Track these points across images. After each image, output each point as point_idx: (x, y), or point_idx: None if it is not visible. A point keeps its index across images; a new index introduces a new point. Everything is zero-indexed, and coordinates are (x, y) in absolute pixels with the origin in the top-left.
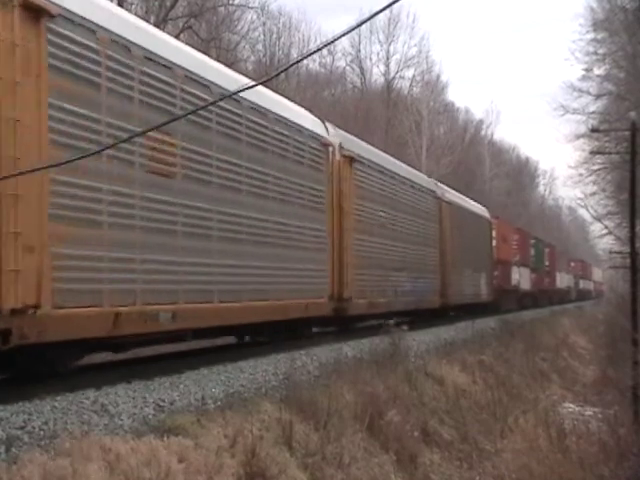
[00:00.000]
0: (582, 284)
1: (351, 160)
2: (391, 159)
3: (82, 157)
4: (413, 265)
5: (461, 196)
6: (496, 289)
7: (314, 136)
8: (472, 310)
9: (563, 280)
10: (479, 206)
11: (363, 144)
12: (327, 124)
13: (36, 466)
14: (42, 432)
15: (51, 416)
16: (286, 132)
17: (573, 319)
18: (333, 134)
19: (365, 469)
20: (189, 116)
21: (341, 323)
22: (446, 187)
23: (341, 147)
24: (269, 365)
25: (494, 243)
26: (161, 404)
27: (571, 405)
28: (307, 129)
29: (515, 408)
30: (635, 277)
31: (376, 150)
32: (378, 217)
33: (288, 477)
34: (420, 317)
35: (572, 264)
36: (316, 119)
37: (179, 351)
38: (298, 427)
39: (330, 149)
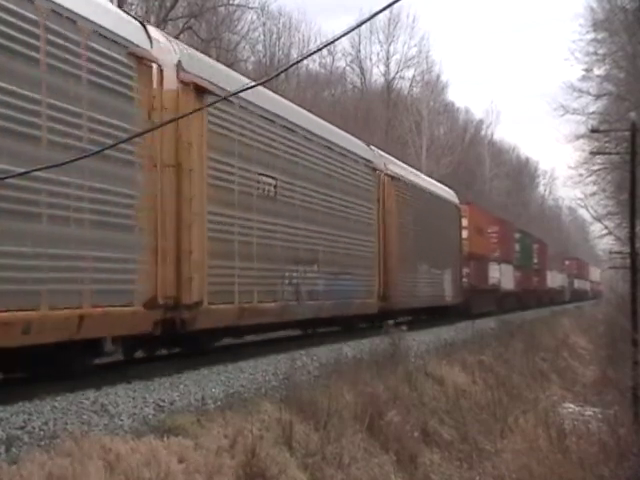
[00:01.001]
0: (577, 284)
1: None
2: (294, 107)
3: (80, 158)
4: (332, 257)
5: (417, 172)
6: (467, 289)
7: None
8: (431, 315)
9: (555, 279)
10: (444, 188)
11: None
12: None
13: (36, 466)
14: (42, 432)
15: (51, 416)
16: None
17: (573, 319)
18: None
19: (365, 469)
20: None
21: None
22: (393, 158)
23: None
24: (269, 365)
25: (465, 234)
26: (161, 404)
27: (571, 405)
28: None
29: (515, 408)
30: (635, 277)
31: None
32: (252, 182)
33: (288, 477)
34: (346, 326)
35: (566, 262)
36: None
37: (179, 351)
38: (298, 427)
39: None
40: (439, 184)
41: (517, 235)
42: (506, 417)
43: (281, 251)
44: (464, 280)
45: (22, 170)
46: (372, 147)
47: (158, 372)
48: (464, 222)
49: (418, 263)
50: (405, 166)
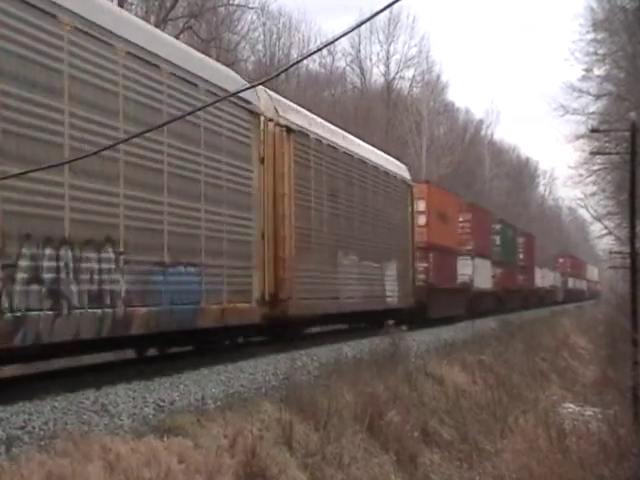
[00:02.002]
0: (572, 283)
1: None
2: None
3: (81, 158)
4: (153, 239)
5: (344, 133)
6: (424, 289)
7: None
8: (364, 322)
9: (546, 278)
10: (389, 159)
11: None
12: None
13: (36, 466)
14: (42, 432)
15: (51, 416)
16: None
17: (573, 319)
18: None
19: (365, 469)
20: None
21: None
22: (296, 106)
23: None
24: (269, 365)
25: (422, 220)
26: (161, 404)
27: (571, 405)
28: None
29: (515, 408)
30: (635, 277)
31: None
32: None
33: (288, 477)
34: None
35: (560, 260)
36: None
37: (179, 351)
38: (298, 427)
39: None
40: (382, 153)
41: (497, 226)
42: (506, 417)
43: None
44: (420, 277)
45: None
46: (264, 89)
47: (158, 372)
48: (421, 205)
49: (340, 253)
50: (318, 119)
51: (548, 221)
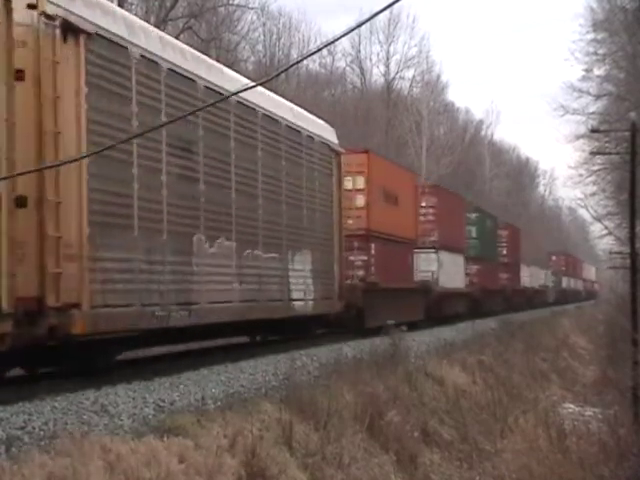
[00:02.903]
0: (566, 283)
1: None
2: None
3: (85, 156)
4: None
5: (196, 54)
6: (360, 289)
7: None
8: (248, 335)
9: (535, 277)
10: (299, 110)
11: None
12: None
13: (36, 466)
14: (42, 432)
15: (51, 416)
16: None
17: (573, 319)
18: None
19: (365, 469)
20: None
21: None
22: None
23: None
24: (269, 365)
25: (360, 200)
26: (161, 404)
27: (571, 405)
28: None
29: (515, 408)
30: (635, 277)
31: None
32: None
33: (288, 477)
34: None
35: (553, 258)
36: None
37: (179, 351)
38: (298, 427)
39: None
40: (289, 103)
41: (473, 215)
42: (506, 417)
43: None
44: (357, 274)
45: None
46: None
47: (158, 372)
48: (359, 182)
49: (200, 237)
50: (157, 31)
51: (548, 221)
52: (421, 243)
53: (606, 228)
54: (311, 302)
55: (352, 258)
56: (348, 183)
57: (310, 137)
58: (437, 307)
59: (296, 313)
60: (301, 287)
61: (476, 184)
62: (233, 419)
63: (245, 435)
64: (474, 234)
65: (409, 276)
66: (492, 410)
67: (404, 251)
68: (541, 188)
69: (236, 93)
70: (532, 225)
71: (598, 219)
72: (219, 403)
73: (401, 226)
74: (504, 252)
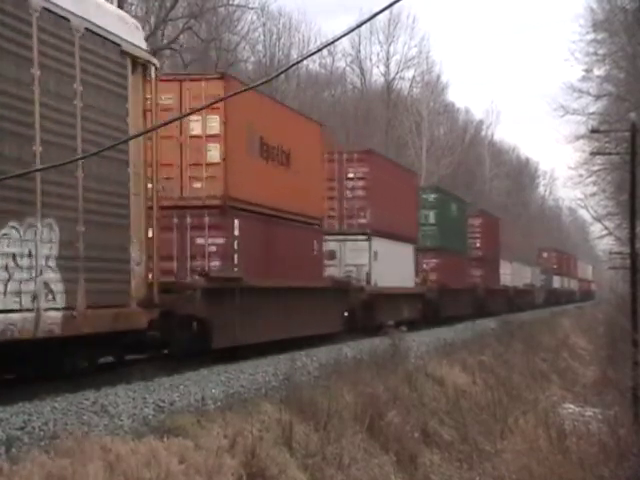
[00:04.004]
0: (558, 282)
1: None
2: None
3: (82, 158)
4: None
5: None
6: (202, 288)
7: None
8: None
9: (519, 275)
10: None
11: None
12: None
13: (36, 466)
14: (42, 433)
15: (51, 417)
16: None
17: (573, 320)
18: None
19: (365, 470)
20: None
21: None
22: None
23: None
24: (269, 366)
25: (213, 153)
26: (161, 405)
27: (571, 406)
28: None
29: (515, 409)
30: (635, 278)
31: None
32: None
33: (288, 477)
34: None
35: (544, 254)
36: None
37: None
38: (298, 428)
39: None
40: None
41: (431, 196)
42: (506, 418)
43: None
44: (196, 265)
45: None
46: None
47: (158, 372)
48: (211, 123)
49: None
50: None
51: (548, 222)
52: (346, 227)
53: (606, 228)
54: (55, 314)
55: (200, 241)
56: (195, 126)
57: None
58: (368, 313)
59: (11, 337)
60: (26, 287)
61: (476, 184)
62: (233, 419)
63: (245, 435)
64: (432, 220)
65: (314, 271)
66: (492, 410)
67: (304, 236)
68: (541, 188)
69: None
70: (532, 225)
71: (598, 219)
72: (219, 403)
73: (297, 198)
74: (477, 244)
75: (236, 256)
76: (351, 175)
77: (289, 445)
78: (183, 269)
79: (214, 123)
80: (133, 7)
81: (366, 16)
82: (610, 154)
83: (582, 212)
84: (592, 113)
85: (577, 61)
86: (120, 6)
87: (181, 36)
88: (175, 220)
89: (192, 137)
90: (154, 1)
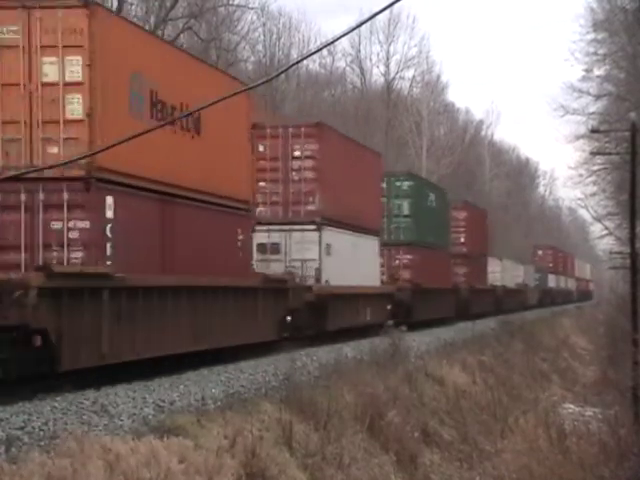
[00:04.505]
0: (554, 282)
1: None
2: None
3: (95, 153)
4: None
5: None
6: (33, 287)
7: None
8: None
9: (510, 274)
10: None
11: None
12: None
13: (36, 466)
14: (42, 432)
15: (51, 416)
16: None
17: (573, 319)
18: None
19: (365, 469)
20: None
21: None
22: None
23: None
24: (269, 365)
25: (73, 107)
26: (161, 404)
27: (571, 406)
28: None
29: (515, 408)
30: (635, 278)
31: None
32: None
33: (288, 477)
34: None
35: (539, 252)
36: None
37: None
38: (298, 427)
39: None
40: None
41: (405, 184)
42: (506, 417)
43: None
44: (44, 258)
45: None
46: None
47: (158, 372)
48: (70, 66)
49: None
50: None
51: (548, 221)
52: (292, 215)
53: (606, 228)
54: None
55: (57, 225)
56: (49, 70)
57: None
58: (318, 317)
59: None
60: None
61: (476, 184)
62: (233, 419)
63: (245, 435)
64: (406, 210)
65: (237, 267)
66: (492, 410)
67: (223, 223)
68: (541, 188)
69: (243, 91)
70: (532, 225)
71: (598, 219)
72: (219, 403)
73: (211, 176)
74: (461, 240)
75: (109, 245)
76: (297, 153)
77: (289, 445)
78: (33, 262)
79: (75, 66)
80: (133, 7)
81: (366, 16)
82: (610, 154)
83: (582, 212)
84: (592, 113)
85: (577, 61)
86: (120, 6)
87: (181, 36)
88: (23, 196)
89: (45, 85)
90: (154, 1)
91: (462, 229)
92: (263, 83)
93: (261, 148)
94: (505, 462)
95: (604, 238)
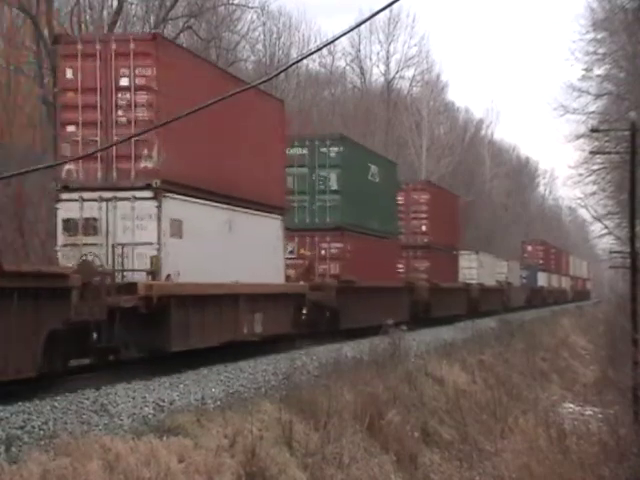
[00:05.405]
0: (545, 280)
1: None
2: None
3: (91, 153)
4: None
5: None
6: None
7: None
8: None
9: (490, 270)
10: None
11: None
12: None
13: (36, 465)
14: (42, 432)
15: (51, 416)
16: None
17: (574, 319)
18: None
19: (365, 469)
20: None
21: None
22: None
23: None
24: (269, 365)
25: None
26: (161, 404)
27: (571, 405)
28: None
29: (515, 408)
30: (635, 277)
31: None
32: None
33: (288, 477)
34: None
35: (528, 248)
36: None
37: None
38: (298, 427)
39: None
40: None
41: (333, 150)
42: (506, 417)
43: None
44: None
45: None
46: None
47: (158, 372)
48: None
49: None
50: None
51: (548, 221)
52: (116, 177)
53: (606, 227)
54: None
55: None
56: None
57: None
58: (153, 332)
59: None
60: None
61: (476, 184)
62: (233, 419)
63: (245, 435)
64: (334, 185)
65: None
66: (492, 410)
67: None
68: (541, 188)
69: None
70: (532, 225)
71: (598, 218)
72: (219, 403)
73: None
74: (422, 228)
75: None
76: (125, 82)
77: (289, 444)
78: None
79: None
80: (133, 6)
81: (366, 15)
82: (610, 153)
83: (582, 211)
84: (592, 112)
85: (577, 60)
86: (120, 6)
87: (181, 35)
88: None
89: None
90: (154, 0)
91: (423, 215)
92: (263, 82)
93: (69, 74)
94: (505, 462)
95: (604, 237)
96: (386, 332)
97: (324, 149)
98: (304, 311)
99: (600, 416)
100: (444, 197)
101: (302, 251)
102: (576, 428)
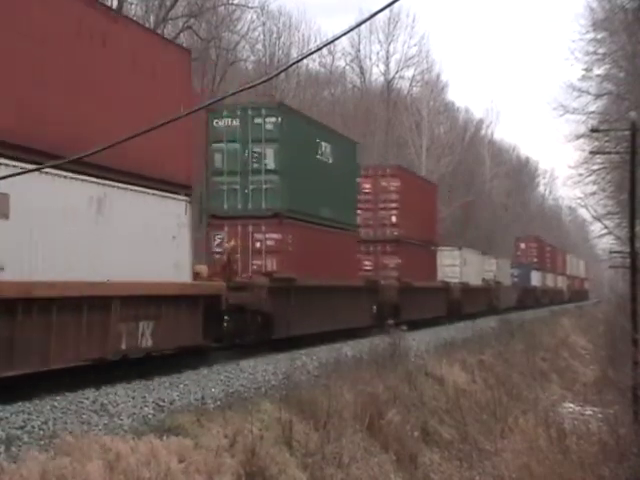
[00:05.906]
0: (538, 280)
1: None
2: None
3: (89, 154)
4: None
5: None
6: None
7: None
8: None
9: (476, 268)
10: None
11: None
12: None
13: (36, 465)
14: (42, 431)
15: (51, 416)
16: None
17: (573, 319)
18: None
19: (365, 469)
20: None
21: None
22: None
23: None
24: (269, 365)
25: None
26: (161, 404)
27: (571, 405)
28: None
29: (515, 408)
30: (635, 277)
31: None
32: None
33: (288, 477)
34: None
35: (522, 246)
36: None
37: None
38: (298, 427)
39: None
40: None
41: (270, 120)
42: (506, 417)
43: None
44: None
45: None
46: None
47: (158, 372)
48: None
49: None
50: None
51: (548, 221)
52: None
53: (606, 227)
54: None
55: None
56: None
57: None
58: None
59: None
60: None
61: (476, 184)
62: (233, 418)
63: (245, 435)
64: (271, 163)
65: None
66: (492, 410)
67: None
68: (541, 188)
69: (235, 93)
70: (532, 225)
71: (598, 218)
72: (219, 402)
73: None
74: (392, 219)
75: None
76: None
77: (289, 444)
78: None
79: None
80: (133, 6)
81: (366, 15)
82: (610, 153)
83: (582, 211)
84: (592, 112)
85: (577, 60)
86: (120, 5)
87: (181, 35)
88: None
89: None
90: (154, 0)
91: (393, 204)
92: (263, 82)
93: None
94: (505, 461)
95: (604, 237)
96: (386, 332)
97: (259, 120)
98: (226, 317)
99: (600, 416)
100: (418, 185)
101: (227, 243)
102: (576, 428)
